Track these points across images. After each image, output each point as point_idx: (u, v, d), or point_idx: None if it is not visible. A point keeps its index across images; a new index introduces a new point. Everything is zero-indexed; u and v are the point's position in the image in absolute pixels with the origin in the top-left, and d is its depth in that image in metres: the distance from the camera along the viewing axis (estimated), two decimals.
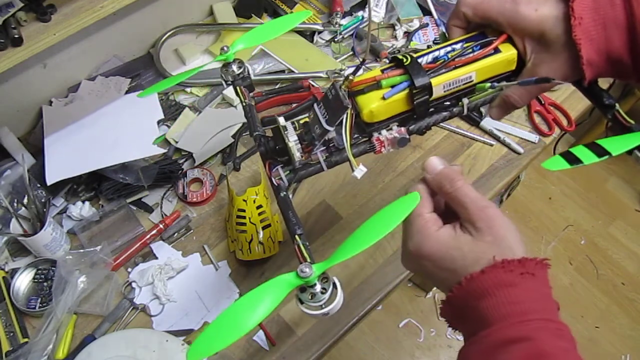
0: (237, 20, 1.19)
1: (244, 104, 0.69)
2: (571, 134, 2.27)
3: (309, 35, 1.19)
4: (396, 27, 1.22)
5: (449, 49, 0.59)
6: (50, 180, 0.89)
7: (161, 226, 0.92)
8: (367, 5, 1.21)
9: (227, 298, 0.87)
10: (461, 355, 0.46)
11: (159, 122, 1.03)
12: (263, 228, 0.88)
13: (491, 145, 1.04)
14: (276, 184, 0.59)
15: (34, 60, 0.94)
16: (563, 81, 0.52)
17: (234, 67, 0.69)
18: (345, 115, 0.54)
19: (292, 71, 1.12)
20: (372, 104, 0.56)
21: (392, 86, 0.56)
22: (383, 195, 0.97)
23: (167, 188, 0.98)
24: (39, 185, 0.91)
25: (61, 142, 0.97)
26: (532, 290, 0.45)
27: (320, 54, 1.17)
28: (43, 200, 0.88)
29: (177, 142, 1.02)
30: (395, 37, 1.21)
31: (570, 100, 1.11)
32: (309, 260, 0.50)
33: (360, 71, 0.56)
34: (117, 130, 1.00)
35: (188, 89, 1.11)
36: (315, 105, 0.57)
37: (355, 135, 0.60)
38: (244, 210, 0.89)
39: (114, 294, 0.86)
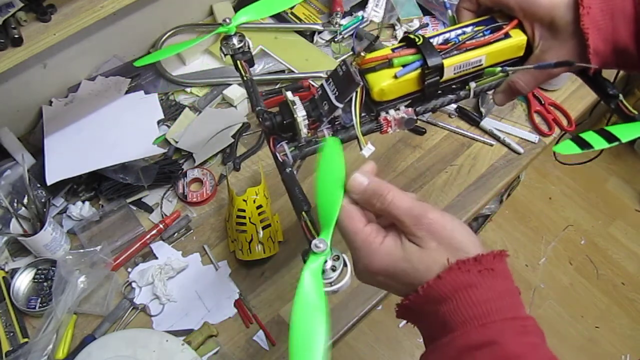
0: None
1: (245, 78, 0.67)
2: (571, 134, 2.27)
3: (309, 35, 1.19)
4: (396, 27, 1.22)
5: (459, 31, 0.59)
6: (50, 180, 0.89)
7: (161, 226, 0.92)
8: None
9: (227, 298, 0.87)
10: None
11: (159, 122, 1.03)
12: (263, 228, 0.88)
13: (491, 145, 1.04)
14: (281, 160, 0.57)
15: (34, 60, 0.94)
16: (570, 70, 0.54)
17: (235, 41, 0.67)
18: (355, 93, 0.54)
19: (292, 71, 1.12)
20: (383, 82, 0.56)
21: (404, 65, 0.56)
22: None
23: (167, 188, 0.98)
24: (39, 185, 0.91)
25: (61, 142, 0.97)
26: (493, 288, 0.43)
27: (320, 54, 1.17)
28: (43, 200, 0.88)
29: (177, 142, 1.02)
30: (395, 37, 1.21)
31: (570, 100, 1.11)
32: (316, 235, 0.48)
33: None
34: (117, 130, 1.00)
35: (188, 89, 1.11)
36: (324, 82, 0.56)
37: (362, 115, 0.59)
38: (244, 210, 0.89)
39: (114, 294, 0.86)
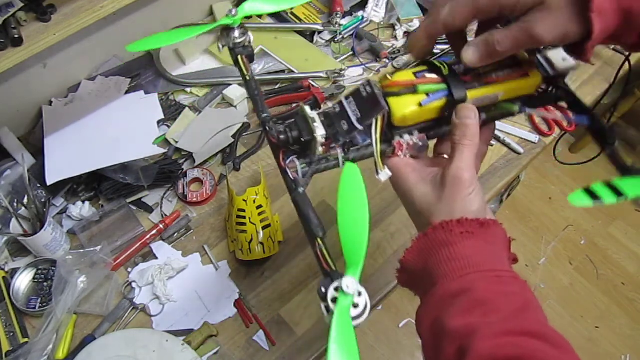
0: None
1: (247, 77, 0.62)
2: (571, 134, 2.27)
3: (309, 35, 1.19)
4: (396, 27, 1.22)
5: None
6: (50, 180, 0.89)
7: (161, 226, 0.92)
8: None
9: (227, 298, 0.87)
10: (417, 315, 0.50)
11: (159, 122, 1.03)
12: (263, 228, 0.88)
13: (491, 145, 1.04)
14: (292, 178, 0.54)
15: (34, 60, 0.94)
16: (563, 42, 0.48)
17: (237, 33, 0.63)
18: (377, 117, 0.53)
19: (292, 71, 1.12)
20: (407, 109, 0.54)
21: (427, 93, 0.55)
22: (383, 195, 0.97)
23: (167, 188, 0.98)
24: (39, 185, 0.91)
25: (61, 142, 0.97)
26: (470, 247, 0.48)
27: (320, 54, 1.17)
28: (43, 200, 0.88)
29: (177, 142, 1.02)
30: (395, 37, 1.21)
31: None
32: (332, 267, 0.46)
33: (390, 67, 0.55)
34: (117, 131, 1.00)
35: (188, 89, 1.11)
36: (343, 99, 0.54)
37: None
38: (244, 210, 0.89)
39: (114, 294, 0.86)
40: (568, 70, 0.58)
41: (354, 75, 1.14)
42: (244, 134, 1.05)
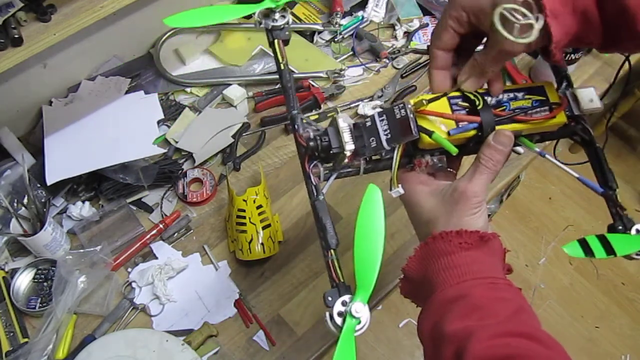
0: (237, 20, 1.19)
1: (282, 66, 0.60)
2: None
3: (309, 35, 1.19)
4: (396, 27, 1.22)
5: (512, 95, 0.58)
6: (50, 180, 0.89)
7: (161, 226, 0.92)
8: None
9: (227, 298, 0.87)
10: (418, 322, 0.52)
11: (159, 122, 1.03)
12: (263, 228, 0.88)
13: None
14: (314, 183, 0.55)
15: (34, 60, 0.94)
16: (528, 49, 0.49)
17: (277, 16, 0.60)
18: None
19: (292, 71, 1.12)
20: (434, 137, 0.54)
21: (457, 121, 0.55)
22: (383, 195, 0.97)
23: (167, 188, 0.98)
24: (39, 185, 0.91)
25: (61, 142, 0.97)
26: (467, 257, 0.50)
27: (320, 54, 1.17)
28: (43, 200, 0.88)
29: (177, 142, 1.02)
30: (395, 37, 1.21)
31: None
32: (341, 278, 0.49)
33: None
34: (117, 131, 1.00)
35: (188, 89, 1.11)
36: (376, 115, 0.54)
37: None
38: (244, 210, 0.89)
39: (114, 294, 0.86)
40: (593, 112, 0.59)
41: (354, 75, 1.14)
42: (244, 134, 1.05)
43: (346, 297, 0.46)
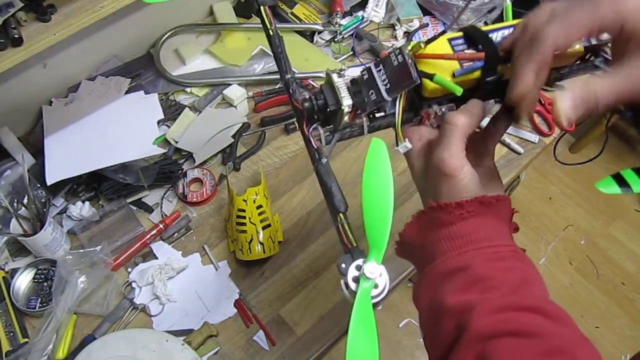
0: (237, 20, 1.19)
1: (271, 32, 0.58)
2: (571, 134, 2.27)
3: (309, 35, 1.19)
4: (396, 27, 1.22)
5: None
6: (50, 180, 0.89)
7: (161, 226, 0.92)
8: None
9: (227, 298, 0.87)
10: (414, 290, 0.50)
11: (159, 122, 1.03)
12: (263, 228, 0.88)
13: None
14: (315, 146, 0.52)
15: (34, 60, 0.94)
16: None
17: None
18: None
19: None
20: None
21: (460, 62, 0.50)
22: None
23: (167, 188, 0.98)
24: (39, 185, 0.91)
25: (61, 142, 0.97)
26: (469, 225, 0.47)
27: (320, 54, 1.17)
28: (43, 200, 0.88)
29: (177, 142, 1.02)
30: (395, 37, 1.21)
31: None
32: (354, 242, 0.45)
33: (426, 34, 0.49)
34: (117, 130, 1.00)
35: (188, 89, 1.11)
36: (373, 66, 0.51)
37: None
38: (244, 210, 0.89)
39: (114, 294, 0.86)
40: (609, 40, 0.51)
41: (354, 75, 1.14)
42: (244, 134, 1.05)
43: (360, 261, 0.43)
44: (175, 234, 0.93)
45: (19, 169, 0.91)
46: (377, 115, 0.54)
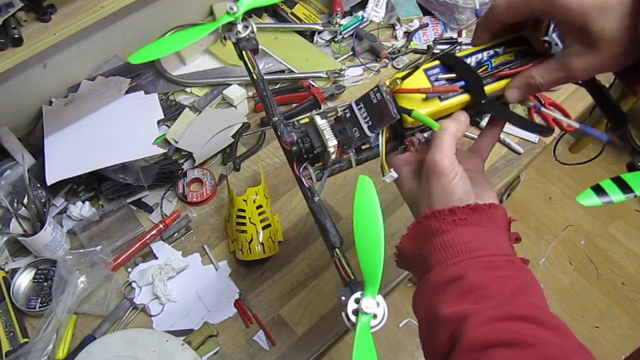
0: None
1: (255, 76, 0.60)
2: (571, 134, 2.27)
3: (309, 35, 1.19)
4: (396, 27, 1.22)
5: (491, 52, 0.55)
6: (50, 180, 0.89)
7: (161, 226, 0.92)
8: None
9: (227, 298, 0.87)
10: (413, 299, 0.51)
11: (159, 122, 1.03)
12: (263, 228, 0.88)
13: None
14: (307, 185, 0.54)
15: (34, 60, 0.94)
16: (600, 72, 0.48)
17: (240, 27, 0.60)
18: None
19: (292, 71, 1.12)
20: (420, 111, 0.51)
21: (439, 95, 0.52)
22: (383, 195, 0.97)
23: (167, 188, 0.98)
24: (39, 185, 0.91)
25: (61, 142, 0.97)
26: (463, 234, 0.48)
27: (320, 54, 1.17)
28: (43, 200, 0.88)
29: (177, 142, 1.02)
30: (395, 37, 1.21)
31: (570, 100, 1.11)
32: (351, 275, 0.47)
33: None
34: (117, 131, 1.00)
35: (188, 89, 1.11)
36: (354, 104, 0.53)
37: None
38: (244, 210, 0.89)
39: (114, 294, 0.86)
40: None
41: (354, 75, 1.14)
42: (244, 134, 1.05)
43: (358, 294, 0.45)
44: (175, 234, 0.93)
45: (19, 169, 0.92)
46: (364, 147, 0.56)
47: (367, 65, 1.16)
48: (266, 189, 0.95)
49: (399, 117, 0.50)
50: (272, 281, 0.89)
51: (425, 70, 0.53)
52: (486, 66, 0.54)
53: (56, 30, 0.87)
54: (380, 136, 0.53)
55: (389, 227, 0.95)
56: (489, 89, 0.53)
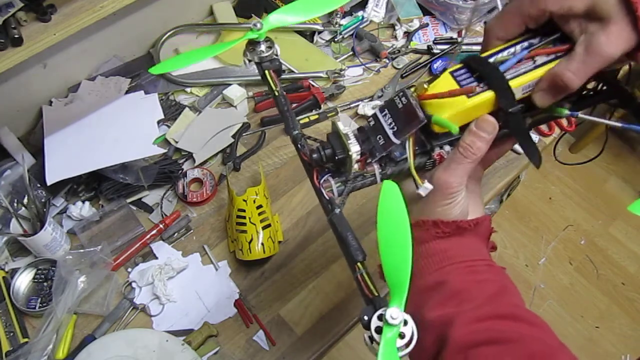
0: (237, 20, 1.19)
1: (276, 93, 0.59)
2: (571, 134, 2.27)
3: (309, 35, 1.19)
4: (396, 27, 1.22)
5: (525, 44, 0.51)
6: (50, 180, 0.89)
7: (161, 226, 0.92)
8: None
9: (227, 298, 0.87)
10: None
11: (159, 122, 1.03)
12: (263, 228, 0.88)
13: None
14: (327, 197, 0.50)
15: (34, 60, 0.94)
16: (622, 51, 0.45)
17: (263, 47, 0.59)
18: None
19: (292, 71, 1.12)
20: (448, 112, 0.48)
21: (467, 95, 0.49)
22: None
23: (167, 188, 0.98)
24: (39, 185, 0.91)
25: (61, 142, 0.97)
26: (445, 243, 0.50)
27: (320, 54, 1.17)
28: (43, 200, 0.88)
29: (177, 142, 1.02)
30: (395, 37, 1.21)
31: None
32: (375, 292, 0.43)
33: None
34: (117, 130, 1.00)
35: (188, 89, 1.11)
36: (378, 112, 0.51)
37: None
38: (244, 210, 0.89)
39: (114, 294, 0.86)
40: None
41: (354, 75, 1.14)
42: (244, 134, 1.05)
43: (383, 310, 0.40)
44: (175, 234, 0.93)
45: (19, 169, 0.92)
46: (390, 163, 0.53)
47: (367, 65, 1.16)
48: (266, 189, 0.95)
49: (426, 121, 0.47)
50: (272, 281, 0.89)
51: (452, 73, 0.51)
52: (526, 48, 0.50)
53: (56, 30, 0.87)
54: (407, 145, 0.50)
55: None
56: (523, 80, 0.49)
